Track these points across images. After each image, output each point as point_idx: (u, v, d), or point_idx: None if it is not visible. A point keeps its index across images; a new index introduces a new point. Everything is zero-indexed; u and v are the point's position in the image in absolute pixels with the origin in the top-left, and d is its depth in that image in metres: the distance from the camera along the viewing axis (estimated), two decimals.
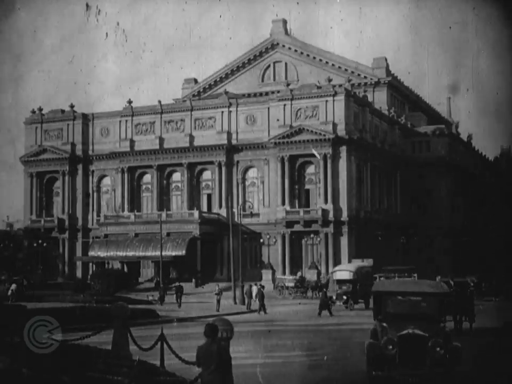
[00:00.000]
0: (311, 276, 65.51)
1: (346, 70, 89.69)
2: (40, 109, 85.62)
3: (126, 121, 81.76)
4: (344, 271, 50.37)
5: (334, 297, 45.82)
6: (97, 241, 78.99)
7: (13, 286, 49.53)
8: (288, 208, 72.97)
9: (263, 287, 45.68)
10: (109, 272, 64.43)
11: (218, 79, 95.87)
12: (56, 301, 45.06)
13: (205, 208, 77.86)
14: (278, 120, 74.58)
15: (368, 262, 63.34)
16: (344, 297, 46.43)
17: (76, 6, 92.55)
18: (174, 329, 30.29)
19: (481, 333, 28.53)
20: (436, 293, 17.27)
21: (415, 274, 64.83)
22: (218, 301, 44.13)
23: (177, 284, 54.35)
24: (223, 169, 76.73)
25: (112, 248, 76.06)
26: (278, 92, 78.55)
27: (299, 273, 65.20)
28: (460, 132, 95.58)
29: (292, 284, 60.46)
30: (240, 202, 72.99)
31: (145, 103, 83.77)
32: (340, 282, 48.30)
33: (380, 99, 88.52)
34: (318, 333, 30.33)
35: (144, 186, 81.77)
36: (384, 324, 16.65)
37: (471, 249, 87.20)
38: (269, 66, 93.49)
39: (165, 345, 17.15)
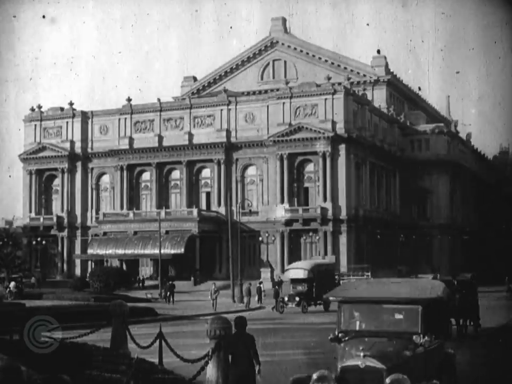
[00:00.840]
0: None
1: (345, 68, 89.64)
2: (40, 107, 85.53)
3: (125, 119, 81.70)
4: (298, 270, 44.99)
5: (286, 299, 41.52)
6: (96, 239, 78.95)
7: (12, 284, 49.49)
8: (287, 206, 72.93)
9: (279, 285, 46.31)
10: (107, 270, 64.43)
11: (217, 77, 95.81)
12: (55, 299, 45.06)
13: (204, 206, 77.81)
14: (277, 118, 74.54)
15: (329, 259, 59.24)
16: (297, 298, 41.35)
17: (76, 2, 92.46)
18: (173, 327, 30.26)
19: (488, 338, 26.04)
20: (418, 299, 11.80)
21: (368, 273, 63.49)
22: (215, 300, 43.52)
23: (169, 282, 54.25)
24: (222, 167, 76.69)
25: (111, 246, 76.03)
26: (277, 90, 78.45)
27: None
28: (459, 130, 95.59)
29: None
30: (239, 200, 72.94)
31: (144, 101, 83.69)
32: (294, 282, 43.29)
33: (379, 97, 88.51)
34: (322, 331, 30.29)
35: (143, 184, 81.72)
36: (342, 346, 11.69)
37: (470, 248, 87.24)
38: (268, 64, 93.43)
39: (163, 343, 17.13)
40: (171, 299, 49.31)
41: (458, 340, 23.91)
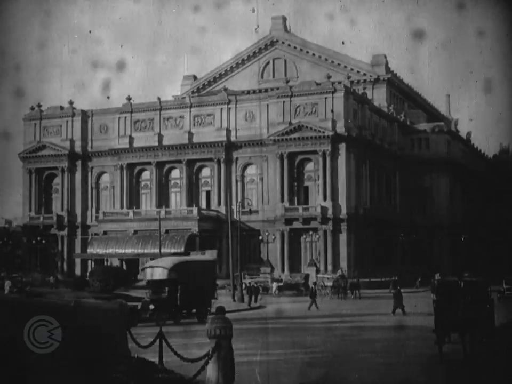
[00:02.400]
0: (310, 273, 65.37)
1: (345, 67, 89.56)
2: (39, 105, 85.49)
3: (125, 118, 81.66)
4: (156, 268, 34.59)
5: (139, 307, 31.40)
6: (96, 238, 78.92)
7: (7, 283, 48.61)
8: (287, 205, 72.92)
9: (315, 284, 45.96)
10: (107, 269, 64.29)
11: (217, 76, 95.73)
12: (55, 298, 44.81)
13: (204, 205, 77.80)
14: (277, 117, 74.52)
15: (210, 255, 50.22)
16: (152, 306, 31.45)
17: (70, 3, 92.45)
18: (173, 326, 30.22)
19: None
20: None
21: (269, 272, 61.35)
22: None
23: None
24: (222, 166, 76.68)
25: (111, 245, 76.00)
26: (277, 88, 78.45)
27: (339, 272, 62.20)
28: (459, 129, 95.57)
29: (330, 283, 54.86)
30: (239, 199, 72.89)
31: (144, 99, 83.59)
32: (152, 285, 33.78)
33: (379, 96, 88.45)
34: (323, 330, 30.28)
35: (143, 183, 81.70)
36: None
37: (471, 247, 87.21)
38: (268, 63, 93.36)
39: (163, 343, 17.10)
40: None
41: (462, 363, 19.26)
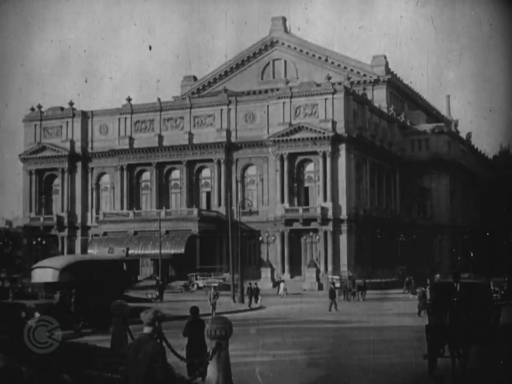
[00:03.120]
0: (310, 274, 65.38)
1: (345, 67, 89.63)
2: (39, 106, 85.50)
3: (125, 118, 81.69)
4: (45, 269, 29.59)
5: (23, 314, 25.02)
6: (96, 239, 78.95)
7: None
8: (287, 206, 72.94)
9: (333, 283, 45.85)
10: None
11: (217, 77, 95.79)
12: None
13: (204, 206, 77.83)
14: (277, 118, 74.53)
15: (120, 253, 44.90)
16: (37, 314, 24.22)
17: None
18: (173, 327, 30.20)
19: None
20: None
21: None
22: (213, 305, 37.00)
23: (158, 281, 54.24)
24: (222, 167, 76.70)
25: (111, 246, 75.94)
26: (277, 89, 78.45)
27: (348, 273, 61.71)
28: (459, 130, 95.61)
29: (338, 285, 53.80)
30: (239, 200, 72.92)
31: (144, 100, 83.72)
32: (39, 287, 29.11)
33: (379, 97, 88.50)
34: (322, 330, 30.27)
35: (143, 184, 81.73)
36: None
37: (471, 247, 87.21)
38: (268, 64, 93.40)
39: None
40: (162, 298, 49.39)
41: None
